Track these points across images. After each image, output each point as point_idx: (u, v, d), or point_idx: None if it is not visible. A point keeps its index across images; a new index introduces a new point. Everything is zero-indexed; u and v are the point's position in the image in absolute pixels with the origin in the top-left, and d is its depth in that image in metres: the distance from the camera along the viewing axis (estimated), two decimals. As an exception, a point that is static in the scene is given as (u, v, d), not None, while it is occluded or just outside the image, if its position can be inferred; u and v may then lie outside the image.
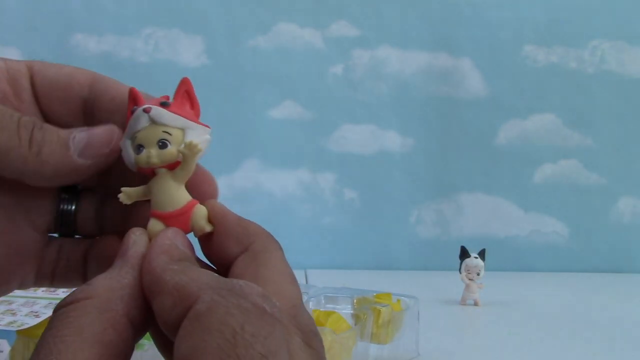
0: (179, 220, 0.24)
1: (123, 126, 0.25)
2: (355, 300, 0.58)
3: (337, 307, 0.57)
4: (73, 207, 0.28)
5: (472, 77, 1.17)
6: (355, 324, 0.54)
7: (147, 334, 0.44)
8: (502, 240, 1.17)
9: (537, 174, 1.17)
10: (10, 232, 0.26)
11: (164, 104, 0.25)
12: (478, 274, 0.83)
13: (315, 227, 1.15)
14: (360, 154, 1.15)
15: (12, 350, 0.44)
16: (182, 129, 0.25)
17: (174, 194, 0.25)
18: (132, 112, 0.25)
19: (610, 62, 1.17)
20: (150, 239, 0.24)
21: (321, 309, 0.54)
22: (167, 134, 0.24)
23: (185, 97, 0.26)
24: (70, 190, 0.28)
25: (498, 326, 0.74)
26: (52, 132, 0.25)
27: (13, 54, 1.10)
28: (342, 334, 0.49)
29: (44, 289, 0.52)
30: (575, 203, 1.17)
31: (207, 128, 0.26)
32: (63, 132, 0.25)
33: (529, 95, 1.17)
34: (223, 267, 0.24)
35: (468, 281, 0.83)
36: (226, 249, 0.25)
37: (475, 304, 0.83)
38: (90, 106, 0.28)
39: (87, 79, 0.28)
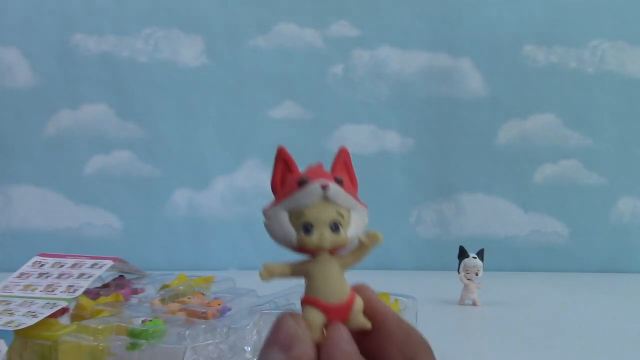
0: (340, 313, 0.22)
1: None
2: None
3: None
4: None
5: (472, 77, 1.16)
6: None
7: (144, 334, 0.44)
8: (501, 240, 1.17)
9: (537, 174, 1.17)
10: None
11: (338, 182, 0.23)
12: (477, 274, 0.83)
13: (315, 227, 1.15)
14: (360, 154, 1.15)
15: (10, 350, 0.44)
16: (349, 210, 0.23)
17: (339, 283, 0.23)
18: (300, 184, 0.22)
19: (610, 62, 1.17)
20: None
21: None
22: (340, 215, 0.22)
23: (345, 169, 0.24)
24: None
25: (497, 326, 0.74)
26: None
27: (13, 53, 1.10)
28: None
29: (41, 289, 0.52)
30: (575, 203, 1.17)
31: (365, 209, 0.24)
32: None
33: (529, 95, 1.17)
34: None
35: (467, 281, 0.83)
36: (386, 353, 0.23)
37: (474, 304, 0.83)
38: None
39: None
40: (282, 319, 0.22)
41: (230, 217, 1.13)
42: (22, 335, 0.43)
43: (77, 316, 0.52)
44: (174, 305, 0.53)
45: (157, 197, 1.12)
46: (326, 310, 0.22)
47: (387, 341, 0.23)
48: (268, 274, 0.23)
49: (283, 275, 0.23)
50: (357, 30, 1.16)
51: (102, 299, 0.55)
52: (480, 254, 0.84)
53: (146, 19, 1.13)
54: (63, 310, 0.50)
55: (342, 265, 0.23)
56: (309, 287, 0.23)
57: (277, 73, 1.15)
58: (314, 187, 0.22)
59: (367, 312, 0.23)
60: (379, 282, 0.85)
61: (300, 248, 0.23)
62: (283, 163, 0.23)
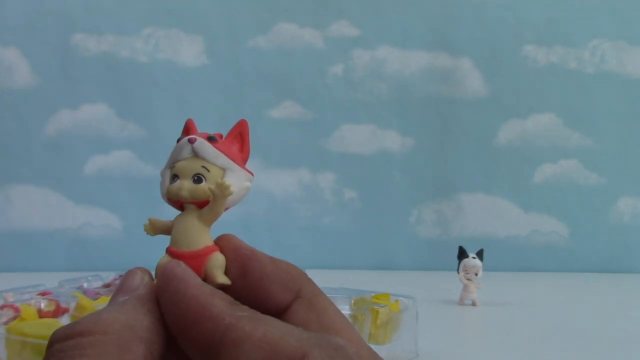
0: (192, 263, 0.22)
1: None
2: (353, 301, 0.58)
3: (335, 307, 0.57)
4: None
5: (472, 77, 1.16)
6: (353, 325, 0.54)
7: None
8: (502, 240, 1.17)
9: (537, 174, 1.17)
10: None
11: (211, 139, 0.23)
12: (476, 274, 0.83)
13: (315, 227, 1.15)
14: (360, 154, 1.15)
15: (9, 350, 0.44)
16: (223, 169, 0.23)
17: (194, 233, 0.23)
18: (177, 141, 0.24)
19: (610, 62, 1.17)
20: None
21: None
22: (205, 169, 0.23)
23: (237, 138, 0.24)
24: None
25: (496, 326, 0.74)
26: None
27: (13, 53, 1.10)
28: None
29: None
30: (575, 203, 1.17)
31: (249, 175, 0.24)
32: None
33: (529, 95, 1.17)
34: (269, 313, 0.22)
35: (466, 281, 0.83)
36: (274, 296, 0.22)
37: (474, 304, 0.83)
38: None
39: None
40: (130, 271, 0.22)
41: (230, 217, 1.13)
42: (22, 335, 0.43)
43: (77, 316, 0.52)
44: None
45: (157, 197, 1.12)
46: (176, 256, 0.22)
47: (267, 281, 0.22)
48: (152, 228, 0.24)
49: (165, 231, 0.24)
50: (357, 30, 1.16)
51: (102, 299, 0.55)
52: (480, 254, 0.84)
53: (146, 19, 1.13)
54: (63, 310, 0.50)
55: (200, 217, 0.23)
56: (170, 238, 0.23)
57: (277, 73, 1.15)
58: (183, 141, 0.23)
59: (238, 260, 0.23)
60: (380, 282, 0.85)
61: (169, 200, 0.23)
62: (185, 131, 0.24)
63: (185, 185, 0.23)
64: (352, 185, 1.16)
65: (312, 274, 0.82)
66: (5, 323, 0.47)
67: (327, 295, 0.60)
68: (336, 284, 0.66)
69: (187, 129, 0.24)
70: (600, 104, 1.17)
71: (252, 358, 0.19)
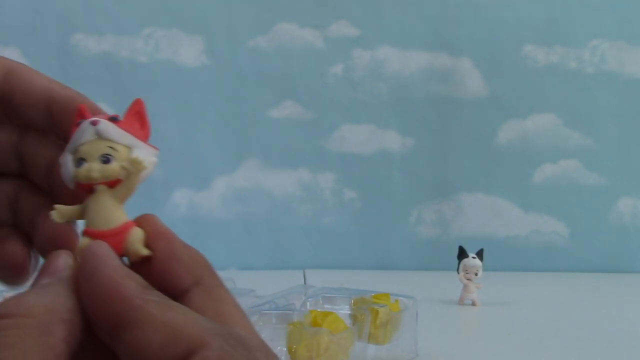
0: (113, 240, 0.23)
1: (44, 122, 0.25)
2: (353, 301, 0.58)
3: (335, 307, 0.57)
4: None
5: (472, 77, 1.16)
6: (353, 325, 0.54)
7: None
8: (502, 240, 1.17)
9: (537, 174, 1.17)
10: None
11: (112, 119, 0.24)
12: (476, 274, 0.83)
13: (315, 227, 1.15)
14: (360, 154, 1.15)
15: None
16: (129, 147, 0.24)
17: (111, 212, 0.23)
18: (78, 124, 0.24)
19: (610, 62, 1.17)
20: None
21: (319, 310, 0.54)
22: (112, 149, 0.23)
23: (135, 117, 0.25)
24: None
25: (496, 326, 0.74)
26: None
27: (13, 54, 1.10)
28: (340, 335, 0.49)
29: None
30: (575, 203, 1.17)
31: (155, 150, 0.25)
32: None
33: (529, 95, 1.17)
34: (168, 296, 0.22)
35: (466, 281, 0.83)
36: (175, 278, 0.23)
37: (474, 304, 0.83)
38: (5, 99, 0.26)
39: (0, 70, 0.26)
40: (54, 253, 0.22)
41: (230, 217, 1.13)
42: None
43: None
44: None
45: (157, 197, 1.12)
46: (95, 236, 0.23)
47: (177, 266, 0.23)
48: (60, 215, 0.24)
49: (74, 216, 0.24)
50: (357, 30, 1.16)
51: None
52: (480, 254, 0.84)
53: (146, 19, 1.13)
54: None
55: (114, 195, 0.24)
56: (86, 220, 0.24)
57: (277, 73, 1.15)
58: (85, 124, 0.23)
59: (152, 238, 0.23)
60: (380, 282, 0.85)
61: (77, 184, 0.24)
62: (79, 116, 0.25)
63: (94, 167, 0.23)
64: (352, 185, 1.16)
65: (312, 274, 0.83)
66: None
67: (327, 295, 0.60)
68: (336, 284, 0.66)
69: (82, 114, 0.24)
70: (600, 104, 1.17)
71: (153, 340, 0.19)
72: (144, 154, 0.24)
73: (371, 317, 0.54)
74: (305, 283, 0.91)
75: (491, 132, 1.17)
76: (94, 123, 0.23)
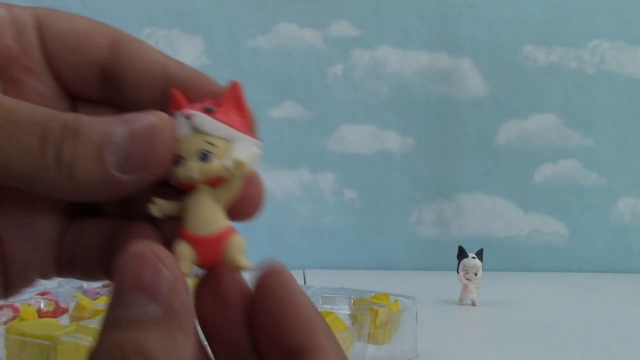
0: (211, 247, 0.21)
1: (157, 107, 0.21)
2: (352, 301, 0.58)
3: (335, 307, 0.57)
4: None
5: (472, 77, 1.17)
6: (353, 325, 0.54)
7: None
8: (502, 240, 1.17)
9: (537, 174, 1.17)
10: (22, 212, 0.21)
11: (208, 110, 0.21)
12: (476, 274, 0.83)
13: (315, 227, 1.15)
14: (360, 154, 1.15)
15: (8, 350, 0.44)
16: (228, 140, 0.21)
17: (211, 215, 0.21)
18: (172, 114, 0.21)
19: (610, 62, 1.17)
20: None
21: (318, 310, 0.53)
22: (210, 144, 0.21)
23: (233, 103, 0.22)
24: None
25: (496, 326, 0.74)
26: (86, 141, 0.19)
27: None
28: (339, 335, 0.49)
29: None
30: (575, 203, 1.17)
31: (257, 140, 0.22)
32: (98, 137, 0.19)
33: (529, 95, 1.17)
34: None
35: (466, 281, 0.83)
36: (280, 337, 0.20)
37: (473, 304, 0.83)
38: (110, 75, 0.22)
39: (106, 40, 0.22)
40: (141, 254, 0.18)
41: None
42: (21, 335, 0.43)
43: (77, 316, 0.52)
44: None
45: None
46: (194, 241, 0.21)
47: (289, 329, 0.20)
48: (159, 210, 0.21)
49: (173, 212, 0.21)
50: (357, 30, 1.16)
51: (102, 299, 0.55)
52: (480, 254, 0.84)
53: (146, 19, 1.13)
54: (62, 310, 0.50)
55: (215, 197, 0.21)
56: (183, 221, 0.21)
57: (277, 73, 1.15)
58: (179, 118, 0.21)
59: (278, 295, 0.21)
60: (379, 282, 0.85)
61: (181, 185, 0.21)
62: (173, 104, 0.22)
63: (194, 167, 0.21)
64: (352, 185, 1.16)
65: (311, 274, 0.83)
66: (5, 323, 0.47)
67: (327, 295, 0.60)
68: (336, 284, 0.66)
69: (175, 102, 0.22)
70: (600, 104, 1.17)
71: None
72: (245, 147, 0.22)
73: (371, 317, 0.54)
74: (305, 283, 0.91)
75: (491, 132, 1.17)
76: (188, 117, 0.21)
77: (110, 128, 0.19)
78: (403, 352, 0.58)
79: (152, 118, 0.20)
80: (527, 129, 1.17)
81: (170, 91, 0.22)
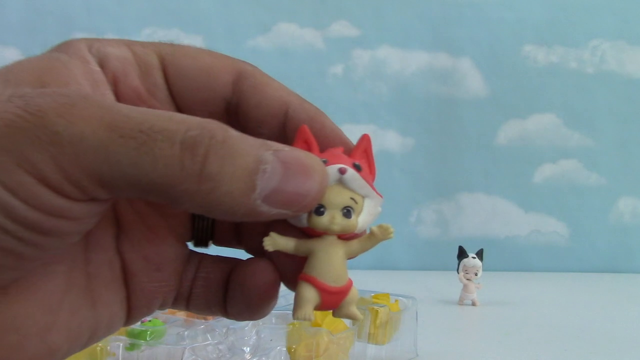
0: (336, 297, 0.21)
1: (274, 138, 0.20)
2: (352, 301, 0.58)
3: (335, 307, 0.57)
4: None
5: (472, 77, 1.16)
6: (353, 325, 0.54)
7: (143, 334, 0.44)
8: (502, 240, 1.17)
9: (537, 174, 1.17)
10: (151, 244, 0.22)
11: (356, 167, 0.22)
12: (476, 274, 0.83)
13: (315, 227, 1.15)
14: (360, 154, 1.15)
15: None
16: (364, 197, 0.22)
17: (342, 268, 0.22)
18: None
19: (610, 62, 1.17)
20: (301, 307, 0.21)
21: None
22: (353, 201, 0.21)
23: (363, 156, 0.23)
24: None
25: (496, 326, 0.74)
26: (238, 162, 0.18)
27: (13, 54, 1.10)
28: (339, 335, 0.49)
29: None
30: (575, 203, 1.17)
31: (381, 199, 0.23)
32: (252, 161, 0.18)
33: (529, 95, 1.17)
34: None
35: (466, 281, 0.83)
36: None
37: (473, 304, 0.83)
38: (233, 110, 0.23)
39: (230, 75, 0.23)
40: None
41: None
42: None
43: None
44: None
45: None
46: (322, 290, 0.21)
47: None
48: (273, 245, 0.22)
49: (286, 248, 0.22)
50: (357, 30, 1.16)
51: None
52: (480, 254, 0.84)
53: (146, 19, 1.13)
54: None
55: (347, 251, 0.22)
56: (309, 266, 0.22)
57: (277, 73, 1.13)
58: (332, 170, 0.21)
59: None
60: (379, 282, 0.85)
61: (308, 229, 0.22)
62: (302, 141, 0.22)
63: (337, 220, 0.21)
64: (352, 185, 1.16)
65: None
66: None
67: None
68: (336, 284, 0.66)
69: (306, 141, 0.22)
70: (600, 104, 1.17)
71: None
72: (373, 205, 0.22)
73: (371, 317, 0.54)
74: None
75: (491, 132, 1.17)
76: (342, 171, 0.21)
77: (262, 154, 0.18)
78: (403, 352, 0.58)
79: (305, 157, 0.20)
80: (527, 129, 1.17)
81: (297, 128, 0.22)
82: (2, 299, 0.19)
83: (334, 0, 1.15)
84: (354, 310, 0.22)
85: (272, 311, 0.54)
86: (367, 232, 0.22)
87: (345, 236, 0.22)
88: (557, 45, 1.17)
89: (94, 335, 0.21)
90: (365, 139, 0.23)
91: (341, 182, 0.21)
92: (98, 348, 0.42)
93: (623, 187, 1.18)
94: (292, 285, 0.22)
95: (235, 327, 0.47)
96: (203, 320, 0.49)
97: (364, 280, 0.92)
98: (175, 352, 0.44)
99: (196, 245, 0.24)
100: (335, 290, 0.21)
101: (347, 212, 0.21)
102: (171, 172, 0.17)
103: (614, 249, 1.17)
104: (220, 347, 0.45)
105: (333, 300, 0.21)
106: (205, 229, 0.24)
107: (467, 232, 1.17)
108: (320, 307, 0.21)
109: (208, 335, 0.46)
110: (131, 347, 0.44)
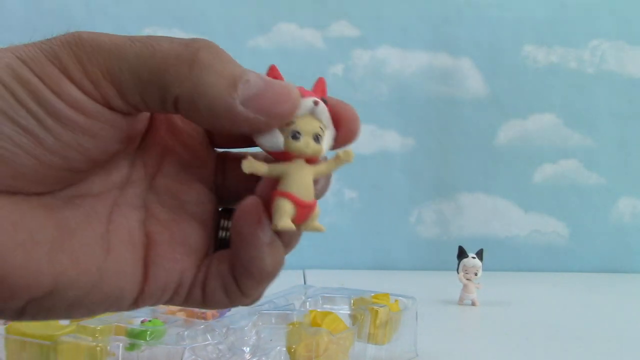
0: (306, 211, 0.25)
1: None
2: (352, 301, 0.58)
3: (335, 307, 0.57)
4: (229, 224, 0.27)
5: (472, 77, 1.16)
6: (353, 325, 0.54)
7: (143, 334, 0.44)
8: (502, 240, 1.17)
9: (537, 174, 1.17)
10: (177, 223, 0.26)
11: (324, 101, 0.25)
12: (476, 274, 0.83)
13: (315, 227, 1.15)
14: (360, 154, 1.15)
15: (8, 350, 0.44)
16: (327, 128, 0.25)
17: (311, 185, 0.25)
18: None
19: (610, 62, 1.17)
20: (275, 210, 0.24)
21: (318, 310, 0.54)
22: (322, 130, 0.25)
23: (324, 95, 0.26)
24: (230, 211, 0.27)
25: (496, 326, 0.74)
26: (224, 62, 0.23)
27: (13, 54, 1.10)
28: (339, 335, 0.49)
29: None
30: (575, 203, 1.17)
31: (335, 131, 0.26)
32: (237, 69, 0.23)
33: (529, 95, 1.17)
34: None
35: (466, 281, 0.83)
36: None
37: (473, 304, 0.83)
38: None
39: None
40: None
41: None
42: (21, 335, 0.43)
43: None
44: (173, 306, 0.53)
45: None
46: (297, 204, 0.24)
47: None
48: (249, 166, 0.24)
49: (261, 170, 0.25)
50: (357, 30, 1.16)
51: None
52: (480, 254, 0.84)
53: (146, 19, 1.13)
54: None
55: (315, 172, 0.25)
56: (284, 184, 0.24)
57: (277, 73, 1.15)
58: (308, 101, 0.25)
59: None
60: (379, 282, 0.85)
61: (284, 153, 0.25)
62: (272, 72, 0.26)
63: (311, 145, 0.24)
64: (352, 185, 1.16)
65: (311, 273, 0.83)
66: (5, 323, 0.47)
67: (327, 295, 0.60)
68: (336, 284, 0.67)
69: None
70: (600, 104, 1.17)
71: None
72: (331, 136, 0.26)
73: (371, 317, 0.54)
74: (305, 283, 0.91)
75: (491, 132, 1.17)
76: (316, 103, 0.25)
77: (247, 71, 0.23)
78: (403, 352, 0.58)
79: (282, 82, 0.24)
80: (527, 129, 1.17)
81: (270, 67, 0.26)
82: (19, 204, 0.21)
83: (334, 0, 1.15)
84: (318, 223, 0.25)
85: (272, 311, 0.54)
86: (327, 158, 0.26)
87: (312, 160, 0.25)
88: (557, 45, 1.17)
89: (102, 280, 0.23)
90: (321, 81, 0.27)
91: (312, 113, 0.25)
92: (98, 348, 0.42)
93: (623, 187, 1.18)
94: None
95: (235, 327, 0.47)
96: (203, 321, 0.49)
97: (364, 280, 0.92)
98: (175, 352, 0.44)
99: (216, 250, 0.27)
100: (307, 204, 0.24)
101: (316, 138, 0.25)
102: (168, 60, 0.22)
103: (614, 249, 1.17)
104: (220, 347, 0.45)
105: (305, 213, 0.24)
106: (227, 238, 0.27)
107: (467, 232, 1.17)
108: (294, 219, 0.24)
109: (208, 335, 0.46)
110: (131, 347, 0.44)
